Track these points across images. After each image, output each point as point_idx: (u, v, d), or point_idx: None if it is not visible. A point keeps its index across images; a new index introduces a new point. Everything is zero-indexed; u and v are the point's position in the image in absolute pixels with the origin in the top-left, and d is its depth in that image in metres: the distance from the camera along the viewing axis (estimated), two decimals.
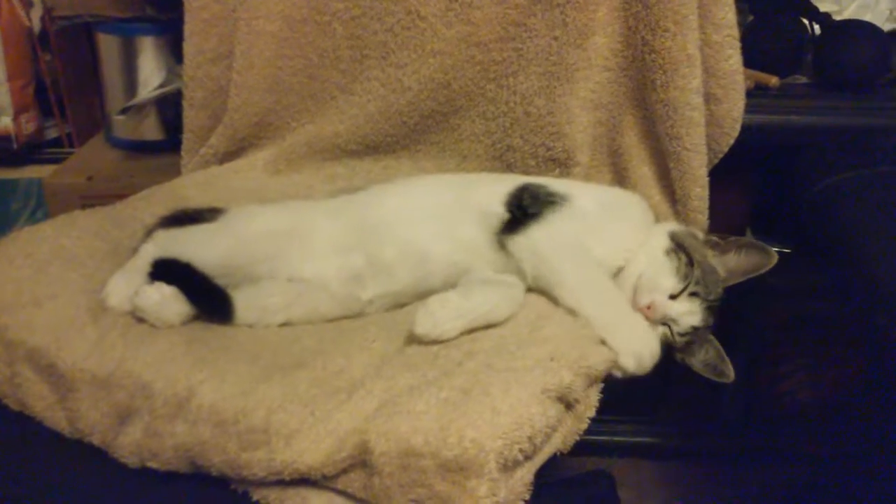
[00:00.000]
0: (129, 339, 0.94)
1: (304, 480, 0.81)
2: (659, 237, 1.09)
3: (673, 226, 1.13)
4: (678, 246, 1.06)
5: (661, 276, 1.03)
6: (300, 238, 1.06)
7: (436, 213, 1.10)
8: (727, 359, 1.07)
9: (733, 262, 1.08)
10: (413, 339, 0.94)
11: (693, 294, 1.03)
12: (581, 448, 0.88)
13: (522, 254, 1.03)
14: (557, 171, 1.29)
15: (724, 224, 1.29)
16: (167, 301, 0.97)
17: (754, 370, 1.61)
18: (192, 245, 1.02)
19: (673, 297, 1.03)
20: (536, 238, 1.03)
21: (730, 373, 1.07)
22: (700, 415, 1.71)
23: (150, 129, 1.72)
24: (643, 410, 1.72)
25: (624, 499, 1.00)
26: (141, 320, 0.97)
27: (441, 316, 0.93)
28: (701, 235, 1.12)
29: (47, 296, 0.99)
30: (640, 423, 1.73)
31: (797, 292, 1.51)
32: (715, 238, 1.10)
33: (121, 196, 1.29)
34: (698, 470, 1.70)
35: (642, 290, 1.03)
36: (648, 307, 1.01)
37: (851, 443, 1.37)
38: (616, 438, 1.71)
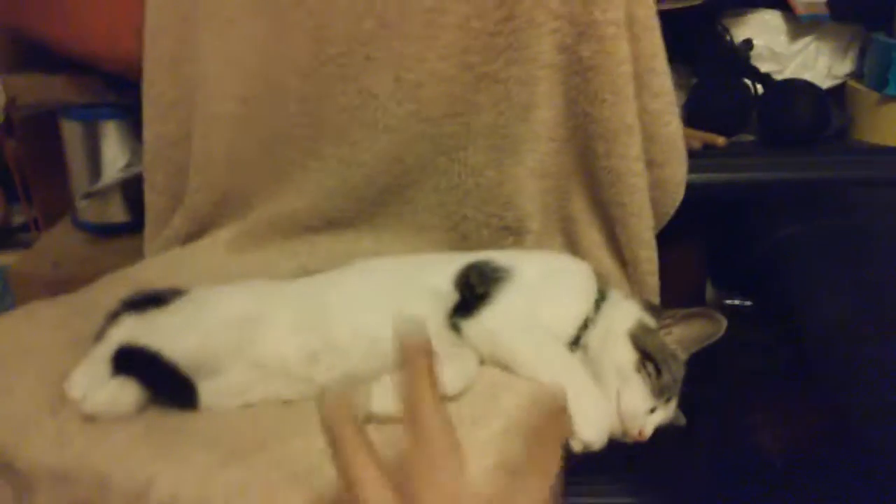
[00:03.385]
0: (88, 431, 0.93)
1: None
2: (622, 348, 1.06)
3: (628, 317, 1.09)
4: (645, 355, 1.05)
5: (638, 398, 1.03)
6: (262, 323, 1.06)
7: (387, 296, 1.10)
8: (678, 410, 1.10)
9: (685, 335, 1.09)
10: (370, 418, 0.94)
11: (669, 399, 1.06)
12: None
13: (477, 338, 1.04)
14: (511, 239, 1.31)
15: (683, 280, 1.32)
16: (115, 398, 0.96)
17: (723, 426, 1.61)
18: (159, 337, 1.01)
19: (653, 410, 1.05)
20: (486, 320, 1.04)
21: (682, 420, 1.11)
22: (675, 472, 1.71)
23: (116, 212, 1.73)
24: (617, 470, 1.72)
25: None
26: None
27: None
28: (654, 324, 1.10)
29: (4, 391, 0.98)
30: (615, 483, 1.72)
31: (758, 345, 1.53)
32: (666, 320, 1.10)
33: (88, 280, 1.29)
34: None
35: (627, 418, 1.03)
36: (640, 433, 1.03)
37: (817, 496, 1.38)
38: (592, 500, 1.70)
